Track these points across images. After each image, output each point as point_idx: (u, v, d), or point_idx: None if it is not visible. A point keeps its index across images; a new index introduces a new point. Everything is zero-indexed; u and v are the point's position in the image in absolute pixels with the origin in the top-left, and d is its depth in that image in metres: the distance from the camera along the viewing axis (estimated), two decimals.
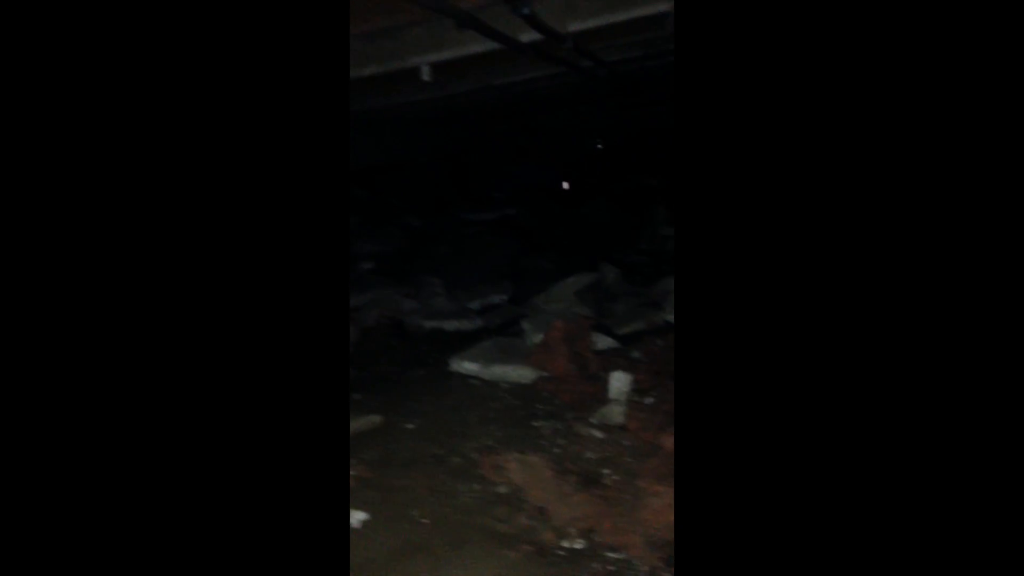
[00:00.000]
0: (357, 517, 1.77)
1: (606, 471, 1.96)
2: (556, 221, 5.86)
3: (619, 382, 2.43)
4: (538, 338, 2.82)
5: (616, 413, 2.30)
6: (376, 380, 3.00)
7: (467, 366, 2.77)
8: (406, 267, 4.79)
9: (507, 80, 3.90)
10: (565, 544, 1.64)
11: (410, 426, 2.36)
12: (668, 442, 2.02)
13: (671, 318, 3.11)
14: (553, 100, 5.81)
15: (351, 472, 2.03)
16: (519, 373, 2.64)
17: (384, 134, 5.65)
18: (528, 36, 2.60)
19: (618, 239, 5.10)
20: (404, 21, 2.53)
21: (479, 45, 2.70)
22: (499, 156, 7.41)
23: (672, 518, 1.62)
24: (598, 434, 2.20)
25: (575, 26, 2.58)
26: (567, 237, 5.26)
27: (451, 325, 3.47)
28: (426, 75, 2.90)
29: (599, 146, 7.88)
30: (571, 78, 3.83)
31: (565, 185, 7.33)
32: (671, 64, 4.14)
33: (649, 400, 2.41)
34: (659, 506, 1.66)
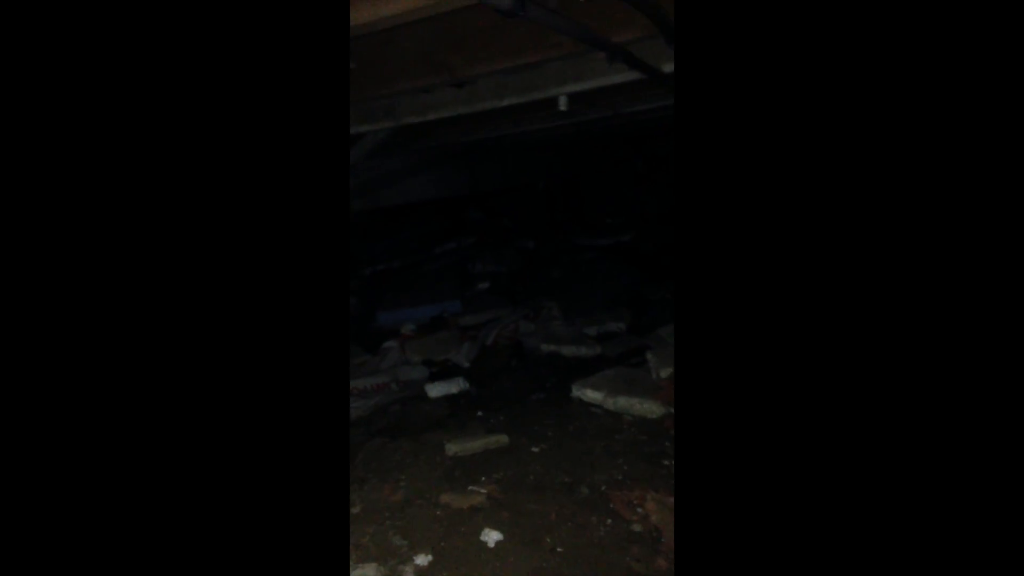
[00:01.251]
0: (492, 537, 1.80)
1: None
2: (672, 250, 5.75)
3: None
4: (666, 372, 2.77)
5: None
6: (496, 398, 3.05)
7: (590, 394, 2.76)
8: (521, 289, 4.86)
9: (632, 108, 3.89)
10: None
11: (535, 449, 2.38)
12: None
13: None
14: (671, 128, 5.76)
15: (483, 491, 2.07)
16: (645, 407, 2.59)
17: (506, 160, 5.79)
18: (671, 67, 2.60)
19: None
20: (554, 56, 2.60)
21: (621, 76, 2.72)
22: (616, 182, 7.41)
23: None
24: None
25: None
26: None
27: (569, 350, 3.48)
28: (563, 105, 2.96)
29: None
30: None
31: None
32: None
33: None
34: None
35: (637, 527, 1.84)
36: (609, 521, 1.88)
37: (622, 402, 2.65)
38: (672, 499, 1.92)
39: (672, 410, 2.58)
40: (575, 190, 7.35)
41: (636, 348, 3.34)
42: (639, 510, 1.91)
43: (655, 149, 7.15)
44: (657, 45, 2.34)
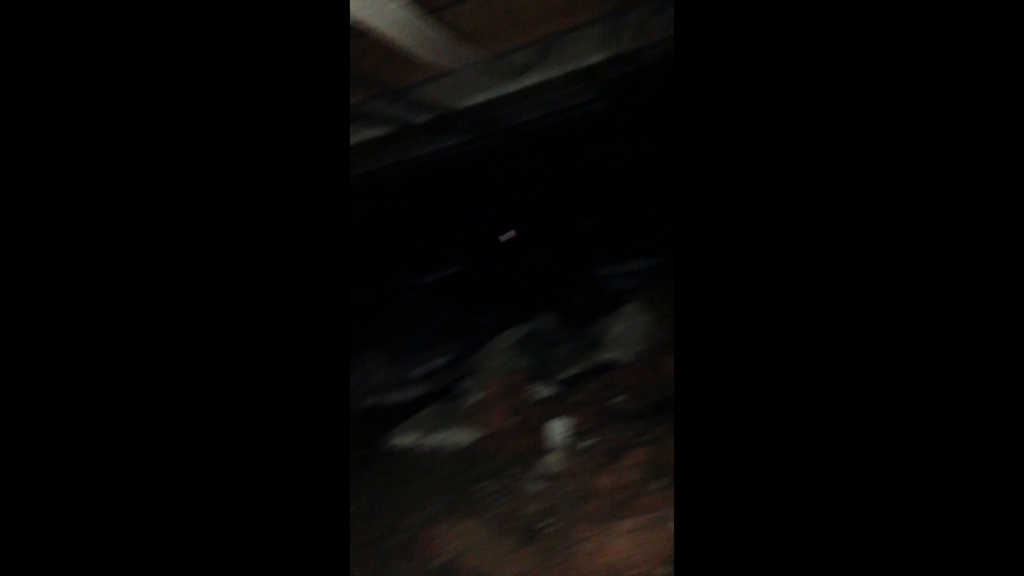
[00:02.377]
0: None
1: (544, 524, 1.91)
2: (498, 274, 5.89)
3: (556, 430, 2.40)
4: (477, 397, 2.79)
5: (555, 462, 2.26)
6: None
7: (407, 439, 2.71)
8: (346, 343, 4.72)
9: (444, 145, 3.95)
10: None
11: (352, 509, 2.28)
12: (604, 482, 1.99)
13: (608, 356, 3.12)
14: (487, 157, 5.92)
15: None
16: (458, 437, 2.59)
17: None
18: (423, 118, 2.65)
19: (559, 284, 5.15)
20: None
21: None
22: (443, 216, 7.47)
23: (602, 561, 1.58)
24: (538, 486, 2.15)
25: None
26: (510, 289, 5.28)
27: (392, 398, 3.41)
28: None
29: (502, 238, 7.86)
30: (494, 139, 3.92)
31: (505, 237, 7.39)
32: (603, 109, 4.32)
33: (588, 443, 2.38)
34: (590, 550, 1.62)
35: (436, 563, 1.80)
36: (411, 564, 1.82)
37: (438, 438, 2.63)
38: (471, 523, 1.91)
39: (485, 432, 2.59)
40: (404, 229, 7.31)
41: (456, 380, 3.34)
42: (444, 545, 1.88)
43: (482, 178, 7.20)
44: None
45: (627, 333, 3.16)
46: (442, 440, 2.62)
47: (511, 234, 7.42)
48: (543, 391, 2.92)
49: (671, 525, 1.63)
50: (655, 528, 1.66)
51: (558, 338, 3.62)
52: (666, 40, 2.34)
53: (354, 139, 2.69)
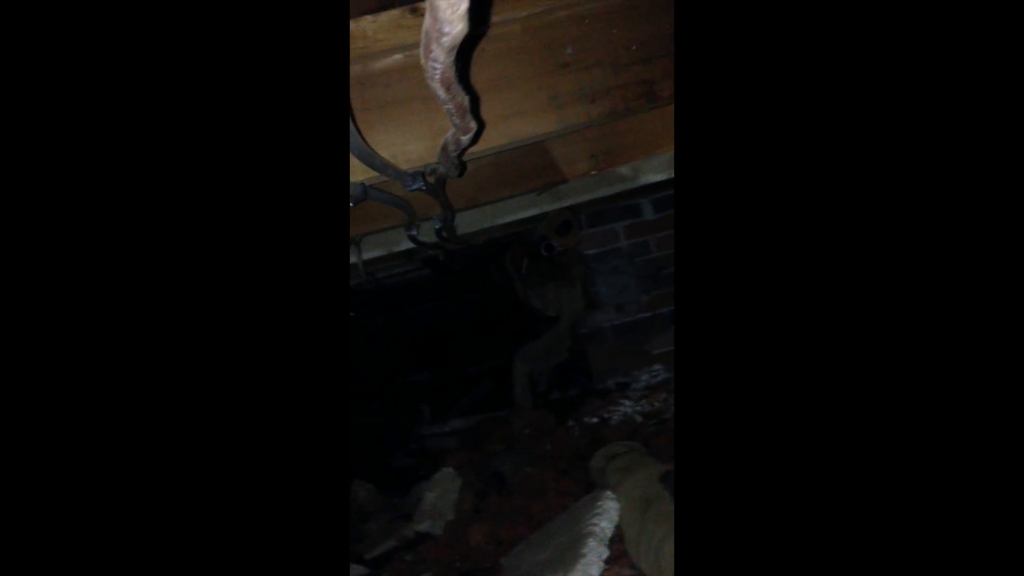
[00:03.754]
0: None
1: None
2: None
3: None
4: None
5: None
6: None
7: None
8: None
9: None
10: None
11: None
12: None
13: (420, 528, 3.10)
14: None
15: None
16: None
17: None
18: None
19: (386, 443, 5.06)
20: None
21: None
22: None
23: None
24: None
25: None
26: None
27: None
28: None
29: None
30: None
31: None
32: (425, 276, 4.61)
33: None
34: None
35: None
36: None
37: None
38: None
39: None
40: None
41: None
42: None
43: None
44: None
45: (440, 501, 3.18)
46: None
47: None
48: (353, 572, 2.80)
49: None
50: None
51: (372, 509, 3.53)
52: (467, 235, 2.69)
53: None
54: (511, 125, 1.51)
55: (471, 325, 7.31)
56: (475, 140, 1.33)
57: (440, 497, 3.21)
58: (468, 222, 2.89)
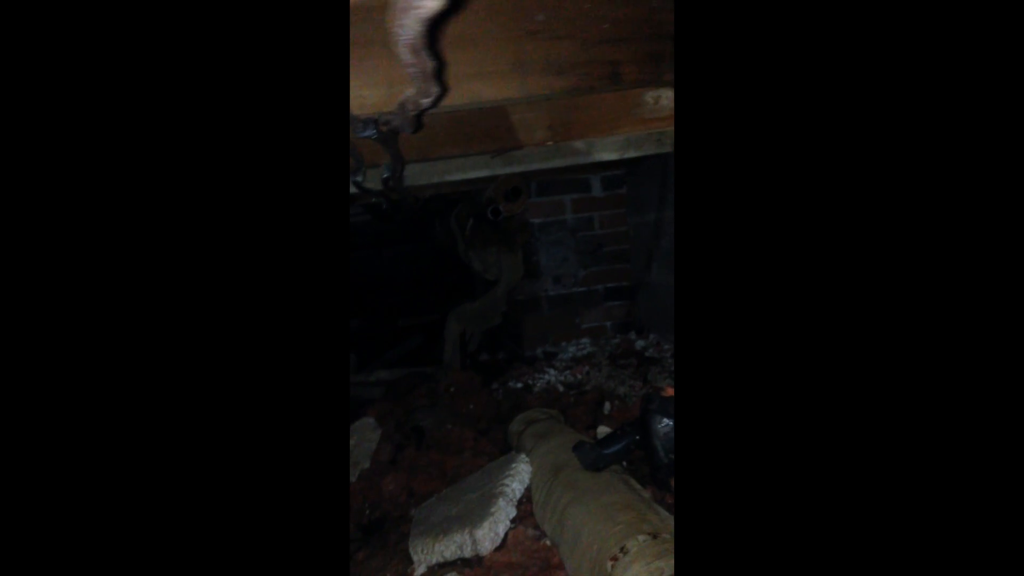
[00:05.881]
0: None
1: None
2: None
3: None
4: None
5: None
6: None
7: None
8: None
9: None
10: None
11: None
12: None
13: None
14: None
15: None
16: None
17: None
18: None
19: None
20: None
21: None
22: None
23: None
24: None
25: None
26: None
27: None
28: None
29: None
30: None
31: None
32: (364, 222, 4.48)
33: None
34: None
35: None
36: None
37: None
38: None
39: None
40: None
41: None
42: None
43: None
44: None
45: (357, 449, 3.20)
46: None
47: None
48: None
49: None
50: None
51: None
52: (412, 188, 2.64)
53: None
54: (473, 86, 1.49)
55: (407, 278, 7.26)
56: (436, 104, 1.31)
57: (357, 445, 3.23)
58: (417, 174, 2.85)
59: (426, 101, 1.19)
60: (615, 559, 1.38)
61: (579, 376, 3.60)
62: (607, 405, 3.00)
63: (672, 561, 1.29)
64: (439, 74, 1.12)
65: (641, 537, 1.40)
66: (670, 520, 1.51)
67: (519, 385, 3.63)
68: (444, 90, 1.32)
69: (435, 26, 0.82)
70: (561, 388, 3.47)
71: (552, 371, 3.75)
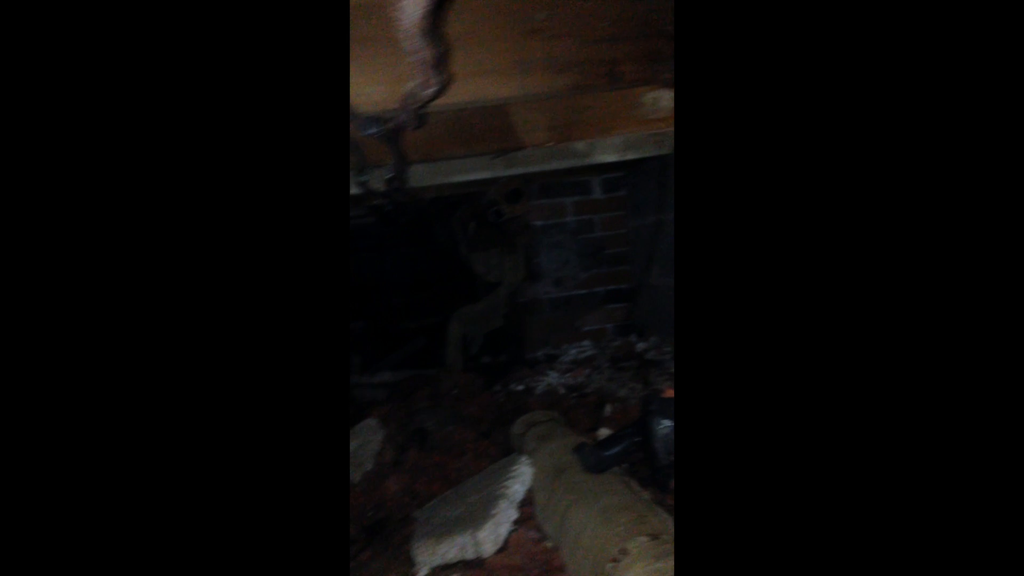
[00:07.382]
0: None
1: None
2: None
3: None
4: None
5: None
6: None
7: None
8: None
9: None
10: None
11: None
12: None
13: None
14: None
15: None
16: None
17: None
18: None
19: None
20: None
21: None
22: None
23: None
24: None
25: None
26: None
27: None
28: None
29: None
30: None
31: None
32: (369, 224, 4.50)
33: None
34: None
35: None
36: None
37: None
38: None
39: None
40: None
41: None
42: None
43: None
44: None
45: (360, 451, 3.19)
46: None
47: None
48: None
49: None
50: None
51: None
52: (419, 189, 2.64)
53: None
54: (475, 83, 1.49)
55: (410, 280, 7.27)
56: (438, 95, 1.31)
57: (361, 447, 3.22)
58: (420, 176, 2.86)
59: (429, 93, 1.18)
60: (615, 561, 1.37)
61: (580, 378, 3.59)
62: (608, 407, 2.99)
63: (672, 562, 1.28)
64: (440, 63, 1.12)
65: (641, 539, 1.39)
66: (670, 521, 1.50)
67: (521, 387, 3.62)
68: (445, 82, 1.32)
69: (434, 10, 0.82)
70: (562, 390, 3.47)
71: (553, 373, 3.74)
